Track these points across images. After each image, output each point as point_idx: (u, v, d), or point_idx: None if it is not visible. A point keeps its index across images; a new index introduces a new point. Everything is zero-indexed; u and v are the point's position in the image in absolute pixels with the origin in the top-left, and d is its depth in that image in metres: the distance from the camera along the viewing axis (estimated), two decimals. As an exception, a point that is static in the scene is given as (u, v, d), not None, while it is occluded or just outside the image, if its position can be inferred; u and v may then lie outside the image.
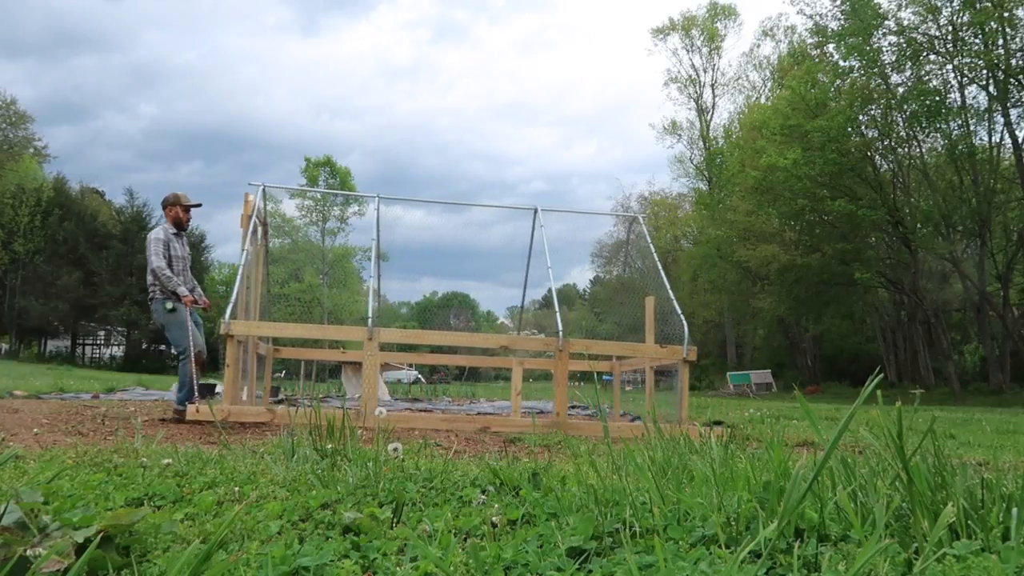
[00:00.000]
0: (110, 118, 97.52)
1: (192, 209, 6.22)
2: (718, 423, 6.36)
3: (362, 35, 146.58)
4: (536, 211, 7.49)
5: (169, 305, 5.73)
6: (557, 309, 6.22)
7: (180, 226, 6.11)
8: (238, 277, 6.05)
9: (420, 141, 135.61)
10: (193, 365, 5.62)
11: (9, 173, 38.04)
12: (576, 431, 5.54)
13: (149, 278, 5.82)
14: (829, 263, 27.15)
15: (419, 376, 29.70)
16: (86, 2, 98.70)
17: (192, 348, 5.65)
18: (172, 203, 6.10)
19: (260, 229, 6.95)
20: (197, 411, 5.24)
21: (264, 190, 6.77)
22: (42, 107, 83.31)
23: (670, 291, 6.55)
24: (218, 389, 12.11)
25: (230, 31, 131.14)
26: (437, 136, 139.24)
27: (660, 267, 6.82)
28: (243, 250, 6.25)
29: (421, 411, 8.79)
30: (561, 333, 5.90)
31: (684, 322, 6.14)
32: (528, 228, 7.73)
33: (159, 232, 5.95)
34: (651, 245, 7.19)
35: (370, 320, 5.75)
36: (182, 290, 5.76)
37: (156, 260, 5.75)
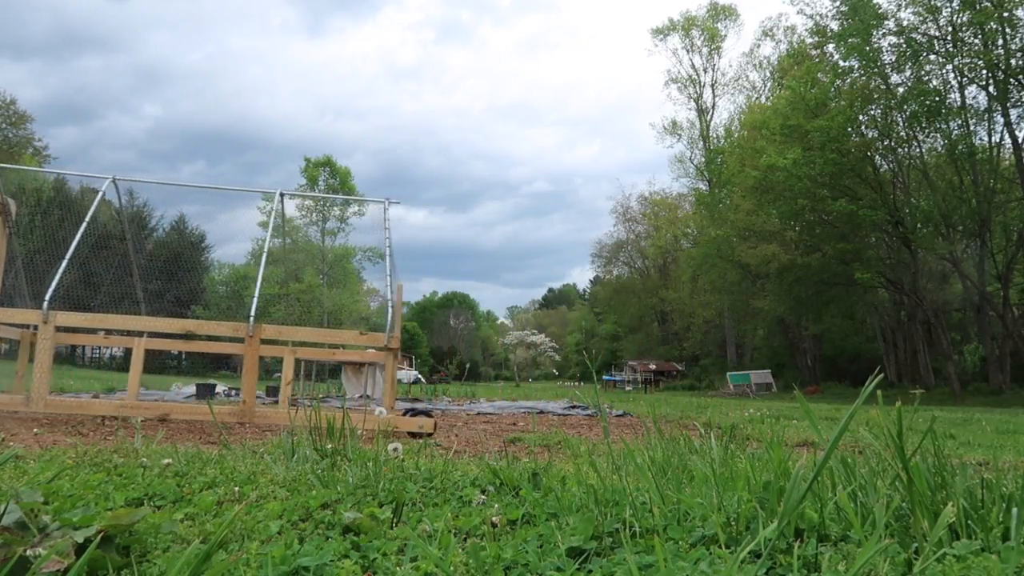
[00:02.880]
0: (114, 119, 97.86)
1: None
2: (424, 412, 6.08)
3: (367, 36, 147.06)
4: (280, 194, 7.25)
5: None
6: (256, 295, 5.97)
7: None
8: None
9: (423, 142, 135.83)
10: None
11: (9, 173, 38.03)
12: (264, 419, 5.43)
13: None
14: (829, 263, 27.16)
15: (419, 376, 29.70)
16: (91, 3, 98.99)
17: None
18: None
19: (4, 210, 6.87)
20: None
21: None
22: (47, 108, 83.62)
23: (389, 278, 6.38)
24: (218, 389, 12.12)
25: (235, 32, 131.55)
26: (440, 137, 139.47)
27: (390, 256, 6.69)
28: None
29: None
30: (252, 318, 5.64)
31: (391, 310, 5.89)
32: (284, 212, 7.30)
33: None
34: (389, 232, 7.07)
35: (46, 302, 5.45)
36: None
37: None
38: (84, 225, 6.47)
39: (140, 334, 7.09)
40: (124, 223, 8.45)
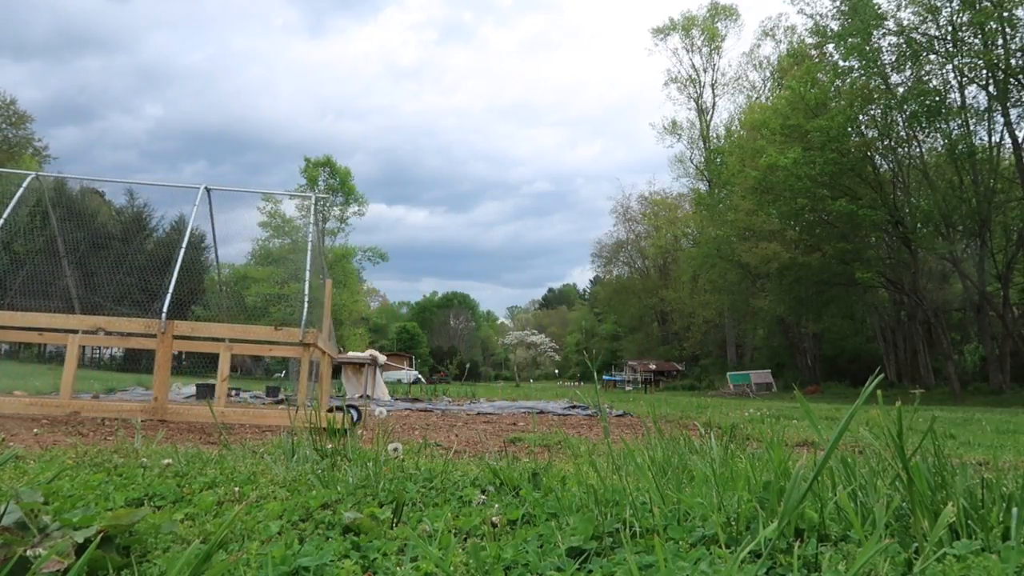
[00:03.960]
0: (115, 119, 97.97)
1: None
2: (338, 408, 5.94)
3: (369, 36, 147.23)
4: (205, 189, 7.07)
5: None
6: (170, 290, 5.84)
7: None
8: None
9: (424, 142, 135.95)
10: None
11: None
12: (176, 416, 5.38)
13: None
14: (829, 263, 27.17)
15: (419, 376, 29.69)
16: (92, 4, 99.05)
17: None
18: None
19: None
20: None
21: None
22: (48, 108, 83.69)
23: (308, 274, 6.24)
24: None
25: (237, 32, 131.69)
26: (441, 137, 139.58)
27: (310, 251, 6.54)
28: None
29: (421, 411, 8.79)
30: (164, 315, 5.58)
31: (306, 304, 5.75)
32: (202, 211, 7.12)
33: None
34: (311, 226, 6.95)
35: None
36: None
37: None
38: (2, 220, 6.37)
39: (75, 332, 7.00)
40: (52, 219, 8.32)
